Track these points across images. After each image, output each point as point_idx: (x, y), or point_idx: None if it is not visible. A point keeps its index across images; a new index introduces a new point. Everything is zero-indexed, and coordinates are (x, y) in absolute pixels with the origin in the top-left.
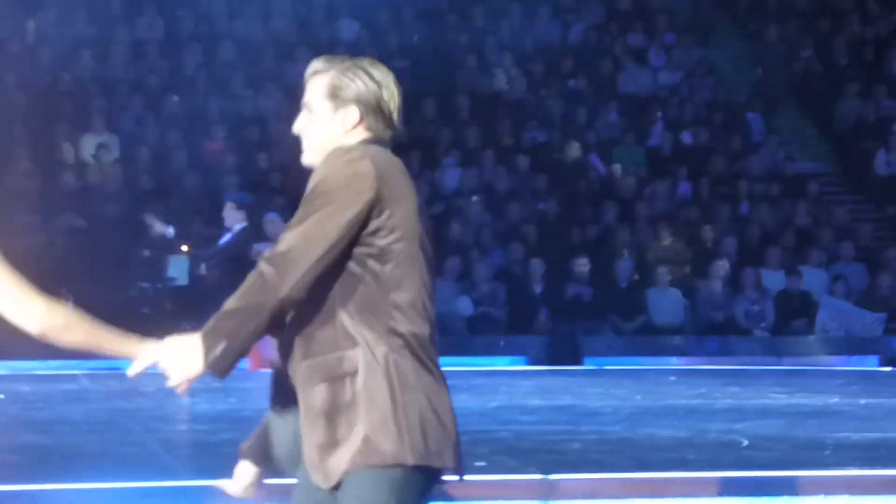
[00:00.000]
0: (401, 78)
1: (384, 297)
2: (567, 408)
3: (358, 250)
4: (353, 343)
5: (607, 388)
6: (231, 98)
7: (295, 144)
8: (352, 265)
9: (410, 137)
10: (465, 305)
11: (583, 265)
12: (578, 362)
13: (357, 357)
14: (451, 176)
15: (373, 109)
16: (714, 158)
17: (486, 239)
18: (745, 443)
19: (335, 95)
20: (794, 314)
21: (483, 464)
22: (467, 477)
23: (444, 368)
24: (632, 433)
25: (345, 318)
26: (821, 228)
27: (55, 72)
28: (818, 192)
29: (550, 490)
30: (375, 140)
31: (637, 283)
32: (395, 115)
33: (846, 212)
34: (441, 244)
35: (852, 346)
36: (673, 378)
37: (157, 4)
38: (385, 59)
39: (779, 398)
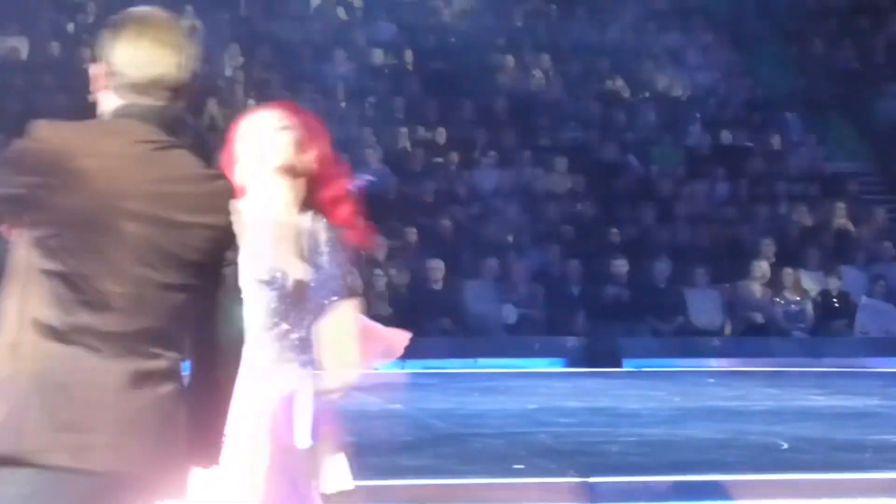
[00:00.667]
0: (438, 79)
1: None
2: (605, 410)
3: None
4: None
5: (645, 389)
6: (268, 100)
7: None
8: None
9: (448, 138)
10: (508, 313)
11: (621, 266)
12: (617, 364)
13: None
14: (488, 176)
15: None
16: (752, 158)
17: (523, 240)
18: (785, 445)
19: None
20: (833, 315)
21: (521, 466)
22: (505, 480)
23: (483, 370)
24: (670, 435)
25: None
26: (860, 228)
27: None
28: (857, 191)
29: (589, 493)
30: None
31: (675, 283)
32: None
33: (885, 212)
34: (478, 245)
35: (892, 346)
36: (711, 380)
37: (195, 6)
38: (422, 60)
39: (818, 400)
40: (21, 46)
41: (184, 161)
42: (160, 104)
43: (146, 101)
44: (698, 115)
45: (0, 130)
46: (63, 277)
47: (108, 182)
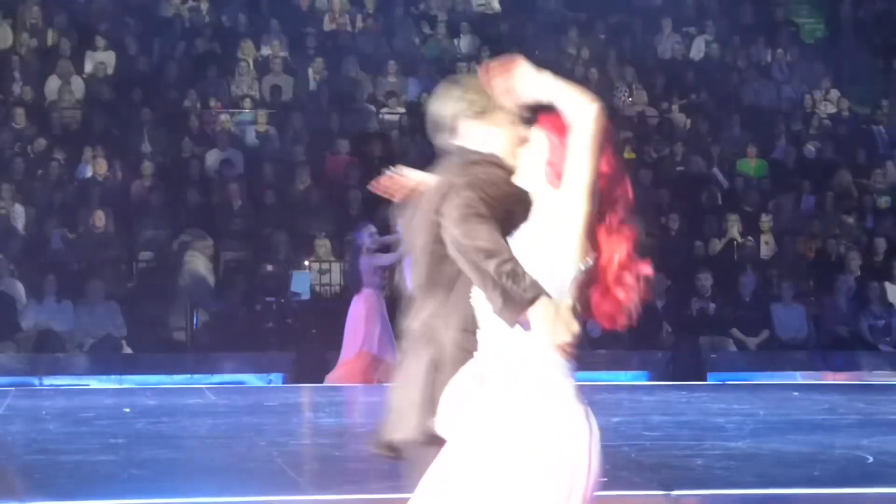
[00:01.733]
0: None
1: None
2: (690, 423)
3: None
4: None
5: (730, 403)
6: (354, 112)
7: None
8: None
9: None
10: (592, 326)
11: (706, 279)
12: (702, 378)
13: None
14: None
15: None
16: (839, 172)
17: None
18: (871, 459)
19: None
20: None
21: (605, 479)
22: None
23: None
24: (756, 449)
25: None
26: None
27: (181, 88)
28: None
29: None
30: None
31: (761, 297)
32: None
33: None
34: None
35: None
36: (796, 393)
37: (280, 20)
38: None
39: None
40: (109, 61)
41: None
42: None
43: None
44: (784, 129)
45: (90, 144)
46: None
47: None
